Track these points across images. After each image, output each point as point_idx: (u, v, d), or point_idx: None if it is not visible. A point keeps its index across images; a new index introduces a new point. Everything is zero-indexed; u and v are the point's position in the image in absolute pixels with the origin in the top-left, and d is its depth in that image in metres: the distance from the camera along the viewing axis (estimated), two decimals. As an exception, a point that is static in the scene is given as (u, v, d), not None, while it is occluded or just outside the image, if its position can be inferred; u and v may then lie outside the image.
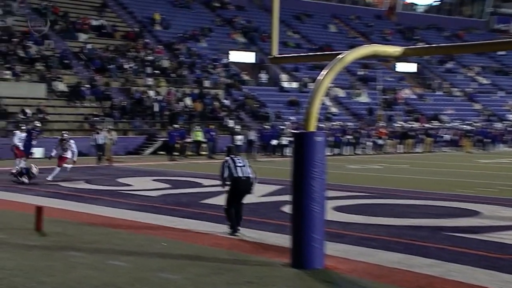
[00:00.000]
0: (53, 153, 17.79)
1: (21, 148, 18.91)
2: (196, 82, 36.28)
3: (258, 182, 10.22)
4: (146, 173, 19.99)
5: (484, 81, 51.53)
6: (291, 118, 34.42)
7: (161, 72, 35.45)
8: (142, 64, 35.39)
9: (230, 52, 41.89)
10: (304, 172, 7.50)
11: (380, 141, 33.58)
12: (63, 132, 19.27)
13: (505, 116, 45.77)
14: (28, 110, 27.49)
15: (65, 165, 17.65)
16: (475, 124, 40.13)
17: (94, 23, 38.08)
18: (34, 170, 16.60)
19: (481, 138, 36.91)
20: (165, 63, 36.50)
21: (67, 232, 9.71)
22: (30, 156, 20.17)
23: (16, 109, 27.64)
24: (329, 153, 26.29)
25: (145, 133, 30.43)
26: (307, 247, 7.47)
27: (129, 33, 38.71)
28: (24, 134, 19.92)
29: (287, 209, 10.61)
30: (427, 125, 37.91)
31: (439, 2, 63.73)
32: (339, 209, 12.22)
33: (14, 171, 17.09)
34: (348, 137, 32.19)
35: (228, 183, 9.64)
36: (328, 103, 38.64)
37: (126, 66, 34.37)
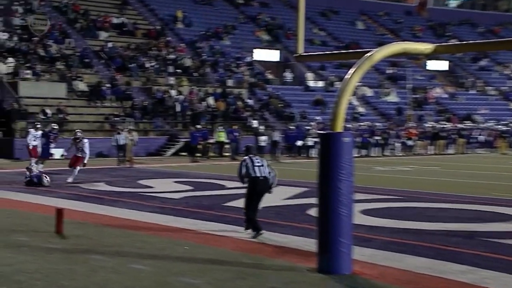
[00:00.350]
0: (66, 153, 17.83)
1: (38, 147, 19.13)
2: (219, 81, 36.40)
3: (283, 184, 10.27)
4: (167, 175, 20.12)
5: (520, 79, 50.81)
6: (317, 118, 34.34)
7: (183, 71, 35.65)
8: (163, 63, 35.63)
9: (254, 50, 41.96)
10: (331, 174, 7.50)
11: (409, 142, 33.33)
12: (76, 130, 18.81)
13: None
14: (48, 110, 27.87)
15: (78, 167, 17.35)
16: (511, 125, 39.59)
17: (115, 21, 38.45)
18: (45, 181, 16.17)
19: (517, 139, 36.45)
20: (187, 62, 36.69)
21: (88, 234, 9.84)
22: (49, 158, 20.44)
23: (36, 109, 28.03)
24: (356, 155, 26.17)
25: (167, 134, 30.63)
26: (334, 251, 7.47)
27: (150, 31, 39.01)
28: (39, 133, 20.14)
29: (313, 212, 10.61)
30: (459, 126, 37.52)
31: (473, -3, 63.10)
32: (366, 212, 12.18)
33: (26, 177, 16.41)
34: (376, 138, 32.02)
35: (246, 184, 9.83)
36: (355, 102, 38.47)
37: (147, 65, 34.63)
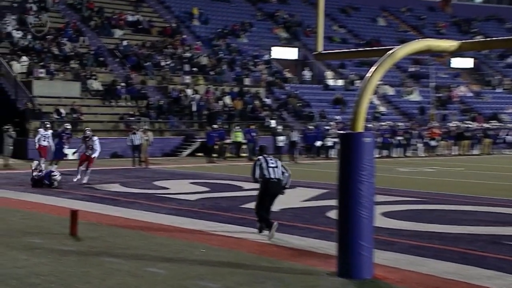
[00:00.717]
0: (79, 151, 18.05)
1: (51, 148, 19.36)
2: (236, 80, 36.47)
3: (302, 186, 10.29)
4: (183, 176, 20.21)
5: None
6: (337, 117, 34.25)
7: (199, 70, 35.77)
8: (179, 61, 35.78)
9: (272, 48, 41.97)
10: (351, 176, 7.49)
11: (432, 143, 33.12)
12: (85, 129, 19.15)
13: None
14: (62, 110, 28.11)
15: (81, 168, 17.48)
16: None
17: (130, 18, 38.70)
18: (58, 177, 16.30)
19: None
20: (204, 60, 36.80)
21: (103, 236, 9.92)
22: (64, 159, 20.65)
23: (50, 109, 28.28)
24: (377, 155, 26.07)
25: (183, 134, 30.75)
26: (354, 255, 7.46)
27: (166, 29, 39.19)
28: (49, 132, 20.47)
29: (332, 214, 10.60)
30: (485, 125, 37.19)
31: (500, -9, 62.45)
32: (388, 215, 12.14)
33: (33, 176, 16.53)
34: (398, 138, 31.86)
35: (259, 183, 9.93)
36: (376, 101, 38.30)
37: (163, 63, 34.81)
